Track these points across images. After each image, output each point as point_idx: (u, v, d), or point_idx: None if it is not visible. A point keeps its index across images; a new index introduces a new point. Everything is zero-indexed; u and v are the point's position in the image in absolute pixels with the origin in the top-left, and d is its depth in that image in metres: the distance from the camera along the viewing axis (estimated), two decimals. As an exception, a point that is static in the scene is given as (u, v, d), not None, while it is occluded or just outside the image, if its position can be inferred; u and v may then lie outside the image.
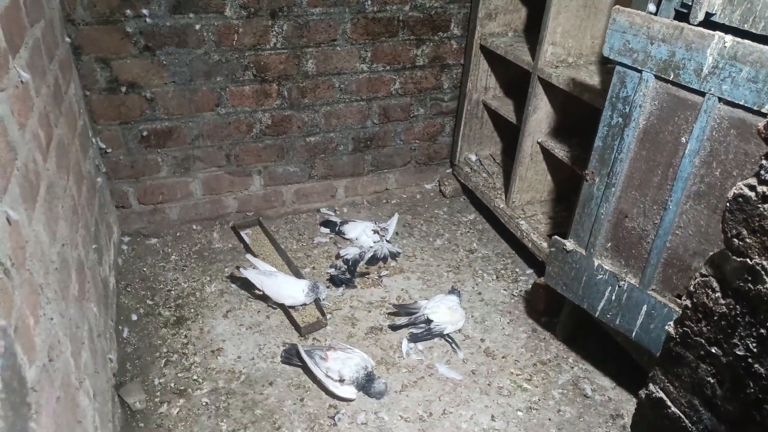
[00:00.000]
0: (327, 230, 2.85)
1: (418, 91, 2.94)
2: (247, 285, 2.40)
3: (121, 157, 2.52)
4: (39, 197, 1.38)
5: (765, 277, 0.79)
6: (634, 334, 1.80)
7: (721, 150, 1.52)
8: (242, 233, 2.76)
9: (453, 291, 2.43)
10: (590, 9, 2.32)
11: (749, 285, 0.82)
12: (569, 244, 1.95)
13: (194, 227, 2.81)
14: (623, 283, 1.80)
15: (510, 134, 2.95)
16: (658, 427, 1.03)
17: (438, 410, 1.97)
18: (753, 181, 0.82)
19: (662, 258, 1.69)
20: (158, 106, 2.47)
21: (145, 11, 2.25)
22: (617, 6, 1.65)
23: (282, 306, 2.33)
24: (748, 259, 0.82)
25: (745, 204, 0.82)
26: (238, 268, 2.45)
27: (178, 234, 2.77)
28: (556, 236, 2.01)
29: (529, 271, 2.65)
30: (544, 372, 2.14)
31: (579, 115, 2.47)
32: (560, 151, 2.46)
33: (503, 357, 2.19)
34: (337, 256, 2.66)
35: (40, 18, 1.72)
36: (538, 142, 2.58)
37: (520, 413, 1.97)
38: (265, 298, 2.34)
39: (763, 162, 0.80)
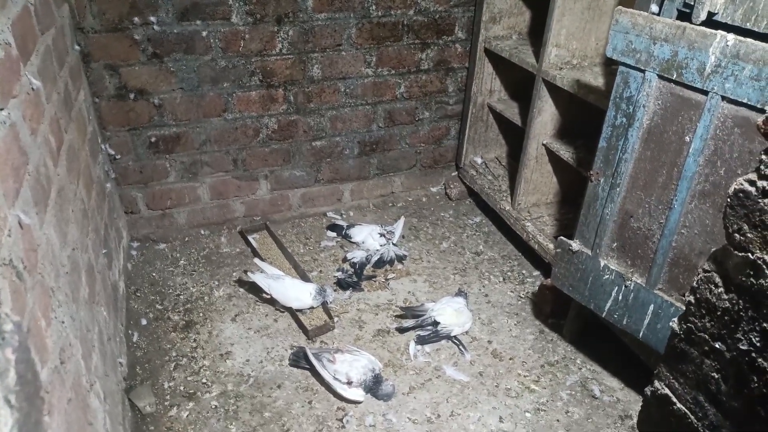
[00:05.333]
0: (333, 234, 2.87)
1: (423, 94, 2.95)
2: (254, 289, 2.42)
3: (130, 162, 2.55)
4: (50, 201, 1.41)
5: (767, 271, 0.80)
6: (641, 334, 1.79)
7: (725, 149, 1.52)
8: (250, 237, 2.78)
9: (460, 293, 2.43)
10: (594, 11, 2.33)
11: (751, 280, 0.82)
12: (575, 245, 1.95)
13: (202, 232, 2.84)
14: (630, 282, 1.80)
15: (515, 137, 2.96)
16: (664, 424, 1.03)
17: (446, 412, 1.97)
18: (753, 176, 0.82)
19: (668, 257, 1.69)
20: (166, 112, 2.50)
21: (152, 19, 2.29)
22: (619, 7, 1.66)
23: (290, 309, 2.34)
24: (749, 254, 0.82)
25: (745, 199, 0.82)
26: (245, 272, 2.47)
27: (186, 239, 2.80)
28: (561, 237, 2.02)
29: (536, 272, 2.65)
30: (551, 373, 2.14)
31: (584, 116, 2.47)
32: (565, 153, 2.46)
33: (510, 359, 2.19)
34: (344, 260, 2.68)
35: (51, 26, 1.75)
36: (543, 144, 2.58)
37: (528, 414, 1.97)
38: (272, 301, 2.36)
39: (763, 157, 0.80)
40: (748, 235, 0.83)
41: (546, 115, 2.53)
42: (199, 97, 2.53)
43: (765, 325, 0.81)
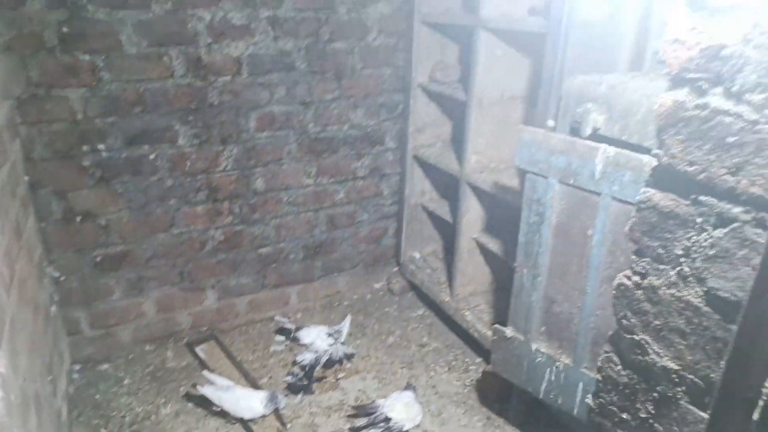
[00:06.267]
0: (282, 338, 2.92)
1: (361, 198, 3.18)
2: (204, 402, 2.40)
3: (74, 284, 2.56)
4: (4, 334, 1.44)
5: (649, 349, 0.98)
6: (575, 411, 1.94)
7: (622, 240, 1.77)
8: (197, 349, 2.78)
9: (408, 387, 2.51)
10: (503, 124, 2.68)
11: (639, 357, 1.01)
12: (508, 332, 2.13)
13: (147, 347, 2.81)
14: (559, 363, 1.97)
15: (449, 231, 3.20)
16: (594, 494, 1.16)
17: None
18: (629, 272, 1.03)
19: (589, 337, 1.89)
20: (113, 231, 2.57)
21: (101, 146, 2.42)
22: (521, 125, 1.97)
23: (241, 420, 2.33)
24: (635, 336, 1.01)
25: (625, 291, 1.03)
26: (194, 385, 2.46)
27: (130, 356, 2.76)
28: (496, 325, 2.19)
29: (479, 359, 2.78)
30: (502, 459, 2.22)
31: (507, 211, 2.75)
32: (494, 246, 2.71)
33: (462, 448, 2.27)
34: (294, 363, 2.71)
35: (5, 162, 1.85)
36: (473, 239, 2.83)
37: (483, 504, 2.03)
38: (223, 413, 2.35)
39: (633, 257, 1.02)
40: (632, 320, 1.02)
41: (473, 213, 2.79)
42: (146, 215, 2.63)
43: (655, 394, 0.98)
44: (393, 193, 3.27)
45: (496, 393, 2.46)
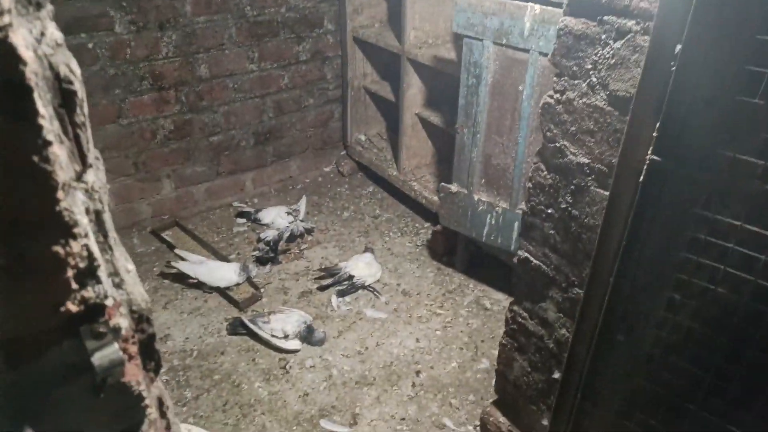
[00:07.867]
0: (243, 220, 3.09)
1: (306, 83, 3.26)
2: (179, 278, 2.59)
3: (30, 178, 2.58)
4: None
5: (566, 152, 1.23)
6: (512, 247, 2.27)
7: (547, 91, 2.01)
8: (163, 235, 2.92)
9: (367, 249, 2.79)
10: (438, -2, 2.79)
11: (559, 160, 1.26)
12: (454, 187, 2.39)
13: (112, 238, 2.91)
14: (498, 208, 2.27)
15: (391, 112, 3.37)
16: (529, 278, 1.46)
17: (372, 344, 2.33)
18: (551, 92, 1.26)
19: (522, 183, 2.18)
20: (61, 124, 2.56)
21: (36, 35, 2.36)
22: (457, -9, 2.10)
23: (217, 289, 2.55)
24: (556, 143, 1.26)
25: (549, 108, 1.25)
26: (168, 263, 2.63)
27: (97, 247, 2.86)
28: (443, 183, 2.45)
29: (427, 224, 3.08)
30: (452, 298, 2.57)
31: (445, 86, 2.93)
32: (435, 119, 2.91)
33: (417, 294, 2.60)
34: (258, 240, 2.92)
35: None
36: (415, 114, 3.01)
37: (438, 332, 2.39)
38: (199, 285, 2.55)
39: (554, 79, 1.24)
40: (554, 131, 1.26)
41: (414, 89, 2.95)
42: (92, 106, 2.62)
43: (572, 187, 1.25)
44: (336, 77, 3.36)
45: (443, 248, 2.78)
